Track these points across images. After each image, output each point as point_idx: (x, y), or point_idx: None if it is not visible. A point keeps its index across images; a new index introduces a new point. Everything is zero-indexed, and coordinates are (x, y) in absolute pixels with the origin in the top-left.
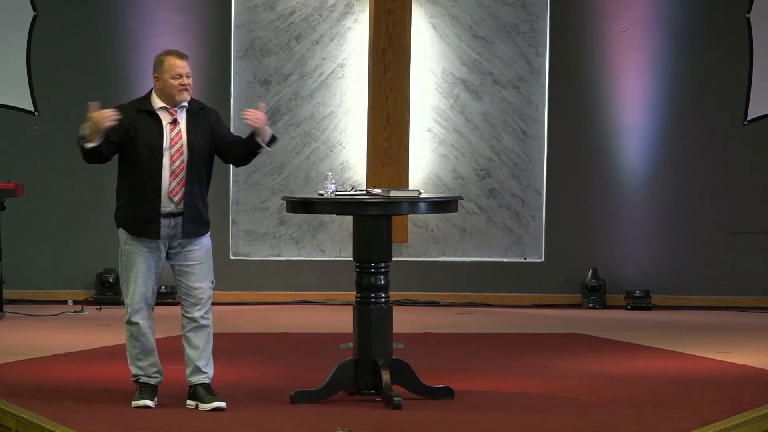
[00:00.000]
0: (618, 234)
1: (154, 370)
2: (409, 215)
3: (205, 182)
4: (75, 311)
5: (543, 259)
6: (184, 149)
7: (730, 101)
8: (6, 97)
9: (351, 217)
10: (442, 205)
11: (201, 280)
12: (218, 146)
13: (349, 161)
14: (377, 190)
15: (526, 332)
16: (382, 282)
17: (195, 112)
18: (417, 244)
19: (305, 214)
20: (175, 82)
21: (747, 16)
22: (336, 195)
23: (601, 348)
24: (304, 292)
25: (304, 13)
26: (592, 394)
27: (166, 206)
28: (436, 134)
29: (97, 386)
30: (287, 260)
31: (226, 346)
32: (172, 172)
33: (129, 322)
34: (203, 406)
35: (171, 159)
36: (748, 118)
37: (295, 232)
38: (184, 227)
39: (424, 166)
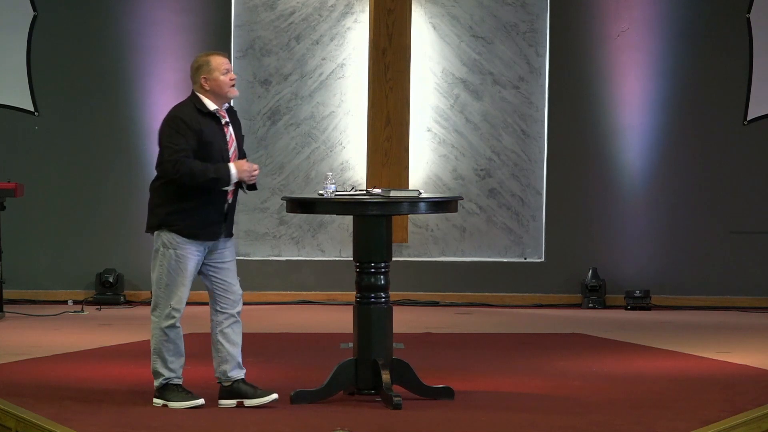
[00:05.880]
0: (618, 234)
1: (181, 369)
2: (409, 215)
3: None
4: (75, 311)
5: (543, 259)
6: (236, 151)
7: (730, 101)
8: (6, 97)
9: (351, 217)
10: (442, 205)
11: (236, 277)
12: None
13: (349, 161)
14: (377, 190)
15: (526, 332)
16: (382, 282)
17: (232, 111)
18: (417, 244)
19: (305, 214)
20: (226, 78)
21: (747, 16)
22: (336, 195)
23: (601, 348)
24: (304, 292)
25: (304, 13)
26: (592, 394)
27: (224, 208)
28: (436, 134)
29: (97, 386)
30: (287, 260)
31: None
32: None
33: (171, 327)
34: (256, 401)
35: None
36: (748, 118)
37: (295, 232)
38: (229, 226)
39: (424, 166)
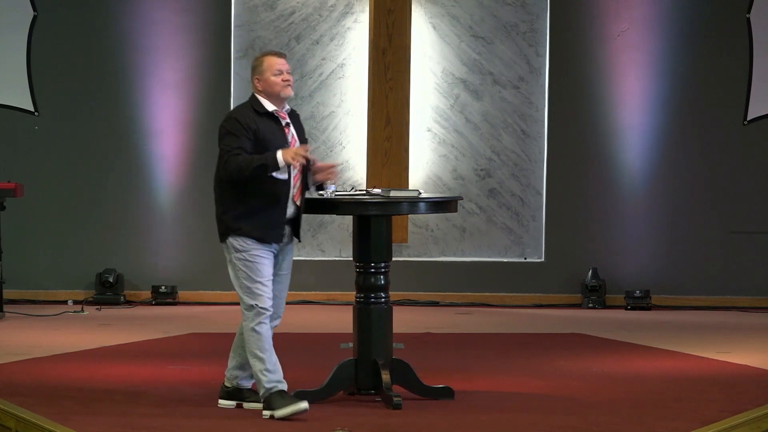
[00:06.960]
0: (618, 234)
1: (281, 373)
2: (409, 215)
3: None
4: (75, 311)
5: (543, 259)
6: None
7: (730, 101)
8: (6, 97)
9: (351, 217)
10: (442, 205)
11: (285, 290)
12: None
13: (349, 161)
14: (377, 190)
15: (526, 332)
16: (382, 282)
17: (294, 114)
18: (417, 244)
19: (305, 214)
20: (277, 79)
21: (747, 16)
22: (336, 195)
23: (601, 348)
24: (304, 292)
25: (304, 13)
26: (592, 394)
27: (289, 211)
28: (436, 134)
29: (97, 386)
30: None
31: (226, 346)
32: (294, 176)
33: (261, 324)
34: (255, 405)
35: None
36: (748, 118)
37: None
38: (300, 229)
39: (424, 166)
